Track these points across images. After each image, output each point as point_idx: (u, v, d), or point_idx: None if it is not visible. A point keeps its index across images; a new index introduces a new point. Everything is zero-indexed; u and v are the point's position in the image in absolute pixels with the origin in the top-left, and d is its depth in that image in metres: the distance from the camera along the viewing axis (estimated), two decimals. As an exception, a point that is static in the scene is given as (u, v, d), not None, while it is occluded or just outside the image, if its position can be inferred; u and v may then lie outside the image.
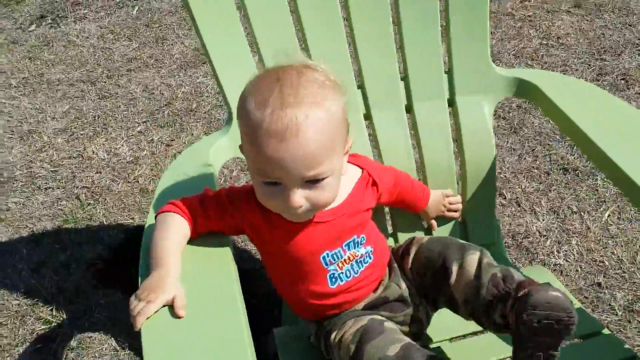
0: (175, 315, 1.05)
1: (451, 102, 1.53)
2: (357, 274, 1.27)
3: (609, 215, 2.12)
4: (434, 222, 1.55)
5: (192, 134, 2.69)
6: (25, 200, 2.43)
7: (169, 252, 1.14)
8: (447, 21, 1.49)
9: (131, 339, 1.92)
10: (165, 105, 2.87)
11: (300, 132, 1.05)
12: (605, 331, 1.34)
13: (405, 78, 1.51)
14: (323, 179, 1.11)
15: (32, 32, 3.48)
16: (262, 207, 1.19)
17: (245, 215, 1.20)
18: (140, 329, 1.05)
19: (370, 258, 1.28)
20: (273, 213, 1.19)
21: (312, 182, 1.10)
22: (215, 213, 1.20)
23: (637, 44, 2.95)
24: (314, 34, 1.46)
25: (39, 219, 2.35)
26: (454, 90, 1.52)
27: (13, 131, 2.79)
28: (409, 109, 1.52)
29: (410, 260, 1.34)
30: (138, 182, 2.49)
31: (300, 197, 1.11)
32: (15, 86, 3.07)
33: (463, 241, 1.31)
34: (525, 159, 2.36)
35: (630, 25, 3.08)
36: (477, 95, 1.52)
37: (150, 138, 2.69)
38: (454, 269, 1.25)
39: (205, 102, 2.87)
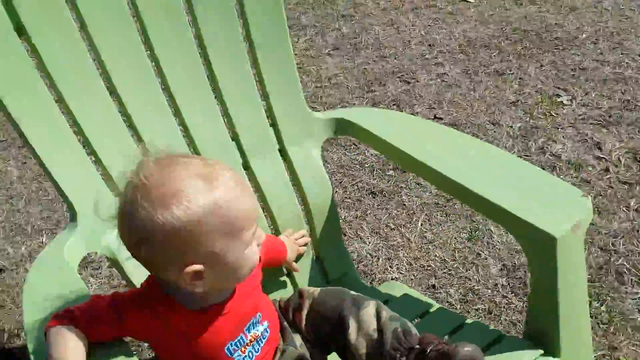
0: None
1: (283, 152, 1.61)
2: (258, 352, 1.25)
3: (421, 224, 2.37)
4: (296, 265, 1.60)
5: (-11, 246, 2.44)
6: None
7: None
8: (262, 80, 1.58)
9: None
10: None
11: (243, 181, 1.10)
12: (468, 321, 1.50)
13: (235, 137, 1.57)
14: None
15: None
16: (167, 311, 1.14)
17: (146, 324, 1.13)
18: None
19: (268, 332, 1.27)
20: (176, 314, 1.13)
21: None
22: (110, 322, 1.11)
23: (395, 72, 3.34)
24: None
25: None
26: (282, 140, 1.61)
27: None
28: (246, 166, 1.58)
29: (303, 317, 1.35)
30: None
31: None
32: None
33: (355, 293, 1.35)
34: (337, 192, 2.53)
35: (385, 57, 3.48)
36: (304, 141, 1.62)
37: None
38: (352, 324, 1.28)
39: (-7, 209, 2.62)
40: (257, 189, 1.60)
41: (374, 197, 2.51)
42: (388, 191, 2.52)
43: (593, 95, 2.91)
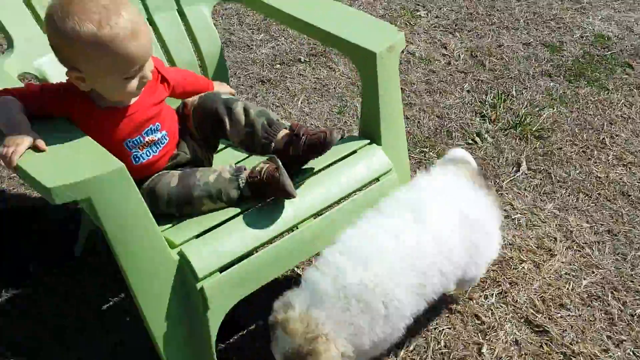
0: (40, 150, 1.42)
1: (180, 12, 2.06)
2: (156, 153, 1.68)
3: (301, 103, 2.87)
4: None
5: None
6: None
7: (14, 115, 1.47)
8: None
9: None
10: None
11: (140, 28, 1.47)
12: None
13: (144, -3, 2.00)
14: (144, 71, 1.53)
15: None
16: (81, 103, 1.57)
17: (68, 109, 1.56)
18: (16, 165, 1.39)
19: (166, 140, 1.70)
20: (90, 107, 1.57)
21: (138, 74, 1.51)
22: (41, 99, 1.54)
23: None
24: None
25: None
26: (179, 2, 2.05)
27: None
28: (151, 21, 2.01)
29: (191, 121, 1.80)
30: None
31: (136, 85, 1.53)
32: None
33: (226, 95, 1.80)
34: (232, 81, 3.00)
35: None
36: (198, 3, 2.08)
37: None
38: (226, 121, 1.74)
39: None
40: (160, 41, 2.04)
41: (263, 85, 3.00)
42: (275, 80, 3.02)
43: (444, 10, 3.52)
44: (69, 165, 1.42)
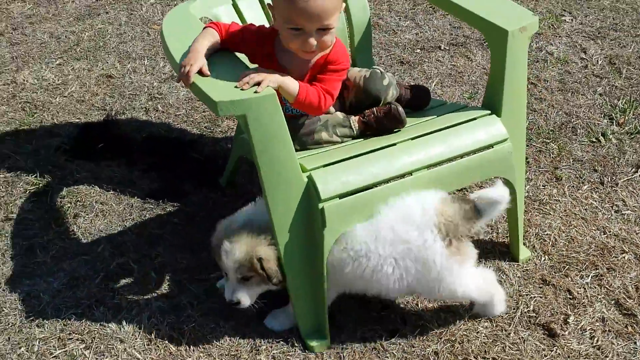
0: (204, 75, 1.75)
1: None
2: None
3: (434, 85, 3.08)
4: None
5: (107, 63, 3.24)
6: (-26, 115, 2.84)
7: (199, 43, 1.82)
8: None
9: (104, 185, 2.48)
10: (75, 45, 3.38)
11: None
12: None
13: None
14: (330, 29, 1.78)
15: None
16: (267, 48, 1.88)
17: (255, 50, 1.89)
18: (192, 82, 1.73)
19: None
20: (271, 58, 1.87)
21: (322, 30, 1.77)
22: (238, 37, 1.88)
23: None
24: None
25: (-6, 126, 2.78)
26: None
27: (-63, 70, 3.13)
28: None
29: (351, 92, 2.04)
30: (73, 96, 3.00)
31: (313, 41, 1.79)
32: None
33: (387, 81, 2.05)
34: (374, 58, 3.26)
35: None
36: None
37: (71, 67, 3.20)
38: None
39: (110, 42, 3.42)
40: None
41: (401, 65, 3.23)
42: (413, 62, 3.24)
43: (590, 18, 3.57)
44: (234, 87, 1.73)
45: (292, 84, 1.80)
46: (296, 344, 1.96)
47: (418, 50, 3.34)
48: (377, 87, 2.04)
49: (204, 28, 1.87)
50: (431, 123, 2.05)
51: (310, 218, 1.84)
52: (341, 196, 1.82)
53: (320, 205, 1.80)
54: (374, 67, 2.13)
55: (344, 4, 1.85)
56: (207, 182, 2.55)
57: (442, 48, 3.35)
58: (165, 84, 3.10)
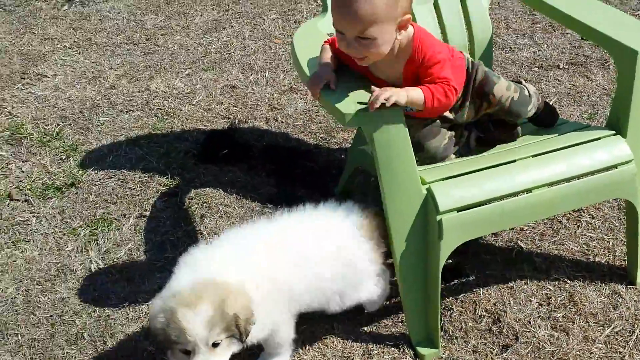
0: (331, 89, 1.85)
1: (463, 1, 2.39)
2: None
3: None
4: None
5: (232, 74, 3.44)
6: (113, 119, 3.09)
7: (323, 59, 1.92)
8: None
9: (227, 189, 2.63)
10: (203, 57, 3.60)
11: (352, 1, 1.72)
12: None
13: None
14: (369, 39, 1.77)
15: (67, 10, 4.11)
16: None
17: (352, 61, 1.93)
18: (319, 95, 1.83)
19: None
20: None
21: (362, 39, 1.78)
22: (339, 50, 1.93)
23: None
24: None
25: (130, 130, 3.02)
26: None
27: (80, 78, 3.43)
28: (435, 4, 2.37)
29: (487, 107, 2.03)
30: (200, 104, 3.20)
31: (351, 46, 1.80)
32: (69, 47, 3.71)
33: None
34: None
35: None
36: (478, -6, 2.39)
37: (199, 77, 3.42)
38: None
39: (235, 54, 3.62)
40: (440, 21, 2.37)
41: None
42: (530, 80, 3.21)
43: None
44: (361, 100, 1.82)
45: (417, 96, 1.83)
46: (407, 351, 2.01)
47: (536, 69, 3.31)
48: (522, 111, 2.06)
49: (323, 45, 1.97)
50: (553, 141, 2.05)
51: (428, 229, 1.89)
52: (459, 209, 1.86)
53: (438, 218, 1.84)
54: (520, 84, 2.09)
55: (400, 18, 1.79)
56: (321, 190, 2.66)
57: (560, 67, 3.31)
58: (284, 96, 3.25)
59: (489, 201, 1.89)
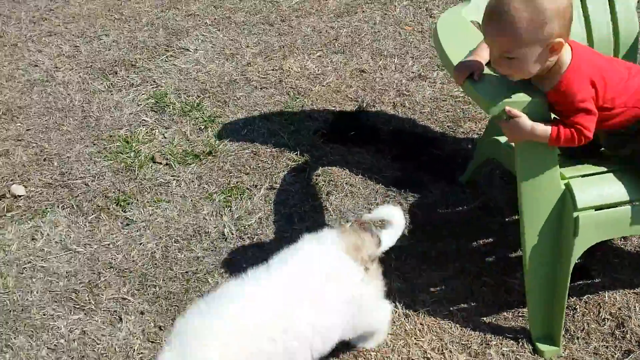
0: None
1: (611, -1, 2.31)
2: None
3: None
4: None
5: (361, 58, 3.49)
6: (248, 94, 3.24)
7: (477, 49, 1.92)
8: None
9: (353, 169, 2.70)
10: (334, 40, 3.68)
11: (497, 18, 1.70)
12: None
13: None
14: (511, 58, 1.73)
15: (209, -11, 4.32)
16: None
17: None
18: (465, 81, 1.84)
19: None
20: None
21: (508, 59, 1.75)
22: None
23: None
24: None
25: (263, 106, 3.16)
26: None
27: (219, 54, 3.61)
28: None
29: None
30: (330, 86, 3.29)
31: (497, 63, 1.78)
32: (209, 24, 3.90)
33: None
34: None
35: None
36: (628, -7, 2.30)
37: (329, 59, 3.50)
38: None
39: (365, 39, 3.67)
40: (585, 18, 2.31)
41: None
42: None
43: None
44: (503, 91, 1.81)
45: (542, 131, 1.77)
46: (526, 346, 2.00)
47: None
48: None
49: None
50: None
51: (562, 225, 1.86)
52: (597, 208, 1.83)
53: (575, 214, 1.82)
54: None
55: (549, 41, 1.70)
56: (446, 178, 2.67)
57: None
58: (412, 82, 3.27)
59: (627, 202, 1.84)
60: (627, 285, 2.17)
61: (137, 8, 4.06)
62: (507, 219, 2.46)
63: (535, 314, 1.99)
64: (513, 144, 1.89)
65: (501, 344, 2.02)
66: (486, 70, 1.87)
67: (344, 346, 1.98)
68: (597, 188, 1.84)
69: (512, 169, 2.00)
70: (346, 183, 2.66)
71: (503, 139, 2.17)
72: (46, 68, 3.42)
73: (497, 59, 1.78)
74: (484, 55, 1.90)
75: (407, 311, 2.13)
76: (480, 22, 2.24)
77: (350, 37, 3.70)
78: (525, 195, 1.84)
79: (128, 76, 3.35)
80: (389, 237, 1.97)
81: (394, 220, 1.99)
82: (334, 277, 1.76)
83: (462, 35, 2.06)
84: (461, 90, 3.15)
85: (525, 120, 1.75)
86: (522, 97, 1.78)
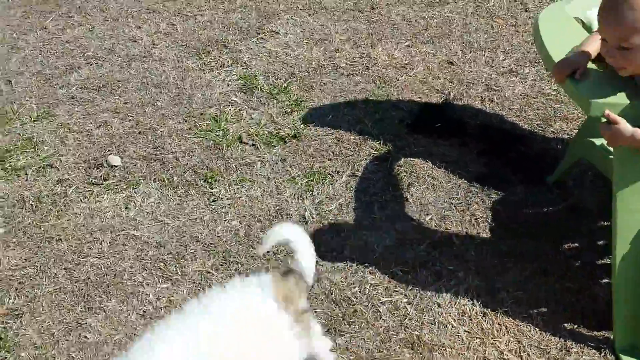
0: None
1: None
2: None
3: None
4: None
5: (450, 50, 3.44)
6: (334, 80, 3.25)
7: (583, 46, 1.86)
8: None
9: (437, 162, 2.67)
10: (423, 30, 3.64)
11: (616, 5, 1.65)
12: None
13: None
14: (628, 49, 1.68)
15: (300, -27, 4.35)
16: None
17: None
18: (566, 80, 1.79)
19: None
20: None
21: (623, 48, 1.70)
22: None
23: None
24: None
25: (349, 93, 3.16)
26: None
27: (308, 39, 3.64)
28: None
29: None
30: (417, 76, 3.26)
31: (611, 54, 1.73)
32: (300, 9, 3.93)
33: None
34: None
35: None
36: None
37: (418, 50, 3.47)
38: None
39: (456, 30, 3.61)
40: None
41: None
42: None
43: None
44: (606, 91, 1.75)
45: None
46: (609, 357, 1.95)
47: None
48: None
49: (592, 34, 1.91)
50: None
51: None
52: (696, 221, 1.75)
53: (672, 225, 1.75)
54: None
55: None
56: (533, 177, 2.61)
57: None
58: (502, 77, 3.20)
59: None
60: None
61: (231, -11, 4.15)
62: (596, 223, 2.39)
63: (621, 324, 1.93)
64: (611, 148, 1.83)
65: (582, 352, 1.97)
66: (590, 66, 1.82)
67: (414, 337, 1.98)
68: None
69: (606, 173, 1.94)
70: (428, 175, 2.64)
71: (599, 141, 2.10)
72: (144, 44, 3.54)
73: (611, 49, 1.73)
74: (591, 50, 1.84)
75: (485, 310, 2.11)
76: (583, 19, 2.19)
77: (440, 27, 3.65)
78: (621, 203, 1.78)
79: (220, 56, 3.43)
80: (307, 266, 1.75)
81: (295, 242, 1.77)
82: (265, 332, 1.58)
83: (565, 31, 2.01)
84: (554, 87, 3.06)
85: (626, 126, 1.69)
86: (624, 99, 1.72)
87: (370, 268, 2.27)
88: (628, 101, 1.71)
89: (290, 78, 3.27)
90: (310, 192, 2.60)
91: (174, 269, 2.31)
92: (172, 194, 2.62)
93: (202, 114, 3.02)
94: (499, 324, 2.06)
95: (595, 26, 2.14)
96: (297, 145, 2.84)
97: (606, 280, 2.15)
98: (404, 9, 3.85)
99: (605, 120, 1.73)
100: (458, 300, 2.14)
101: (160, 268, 2.32)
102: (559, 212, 2.46)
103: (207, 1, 3.95)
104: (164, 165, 2.75)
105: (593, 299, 2.11)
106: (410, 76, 3.26)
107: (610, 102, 1.70)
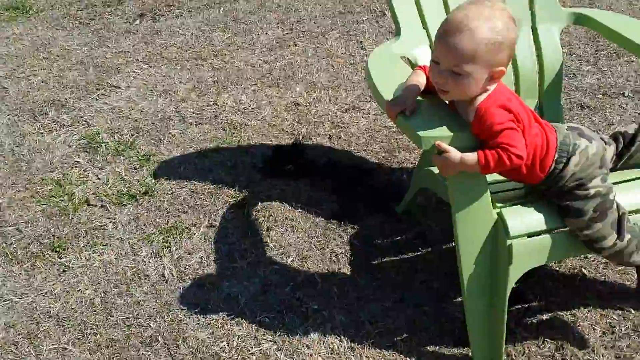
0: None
1: (534, 28, 2.43)
2: None
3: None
4: None
5: (295, 91, 3.53)
6: (183, 131, 3.22)
7: (410, 84, 1.96)
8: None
9: (293, 203, 2.71)
10: (268, 74, 3.71)
11: (459, 32, 1.76)
12: None
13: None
14: (460, 74, 1.78)
15: (139, 25, 4.29)
16: None
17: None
18: (395, 117, 1.89)
19: None
20: None
21: (455, 74, 1.81)
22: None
23: None
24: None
25: (199, 142, 3.14)
26: (535, 20, 2.42)
27: (152, 91, 3.58)
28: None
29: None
30: (265, 120, 3.31)
31: (441, 77, 1.84)
32: (140, 61, 3.87)
33: None
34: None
35: None
36: (549, 24, 2.42)
37: (264, 93, 3.53)
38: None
39: (299, 72, 3.72)
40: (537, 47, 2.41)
41: (582, 110, 3.23)
42: (595, 108, 3.23)
43: None
44: (437, 125, 1.87)
45: (471, 160, 1.80)
46: (469, 374, 2.05)
47: (600, 96, 3.31)
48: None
49: (415, 70, 2.03)
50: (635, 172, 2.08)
51: (497, 254, 1.93)
52: (530, 235, 1.90)
53: (509, 242, 1.88)
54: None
55: (496, 68, 1.78)
56: (383, 208, 2.72)
57: (625, 95, 3.30)
58: (347, 114, 3.33)
59: (559, 228, 1.92)
60: (563, 307, 2.24)
61: (65, 47, 4.00)
62: (443, 247, 2.53)
63: (477, 341, 2.04)
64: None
65: (445, 371, 2.06)
66: (420, 98, 1.93)
67: None
68: (529, 215, 1.92)
69: (447, 199, 2.06)
70: (286, 217, 2.67)
71: (437, 170, 2.23)
72: (-29, 111, 3.31)
73: (443, 73, 1.81)
74: (418, 83, 1.94)
75: (353, 344, 2.14)
76: (409, 58, 2.34)
77: (284, 70, 3.75)
78: (460, 226, 1.90)
79: (58, 116, 3.28)
80: None
81: None
82: None
83: (393, 70, 2.12)
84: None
85: (455, 153, 1.81)
86: (451, 130, 1.84)
87: (236, 319, 2.24)
88: (453, 131, 1.82)
89: (136, 133, 3.19)
90: (168, 249, 2.53)
91: (27, 350, 2.14)
92: (18, 269, 2.44)
93: (43, 179, 2.86)
94: (366, 356, 2.10)
95: (420, 63, 2.30)
96: (149, 201, 2.76)
97: (459, 299, 2.27)
98: (247, 54, 3.91)
99: (437, 151, 1.84)
100: (326, 339, 2.16)
101: (12, 351, 2.14)
102: (409, 240, 2.57)
103: (39, 61, 3.78)
104: (6, 239, 2.56)
105: (450, 321, 2.21)
106: (259, 120, 3.31)
107: (438, 136, 1.81)
